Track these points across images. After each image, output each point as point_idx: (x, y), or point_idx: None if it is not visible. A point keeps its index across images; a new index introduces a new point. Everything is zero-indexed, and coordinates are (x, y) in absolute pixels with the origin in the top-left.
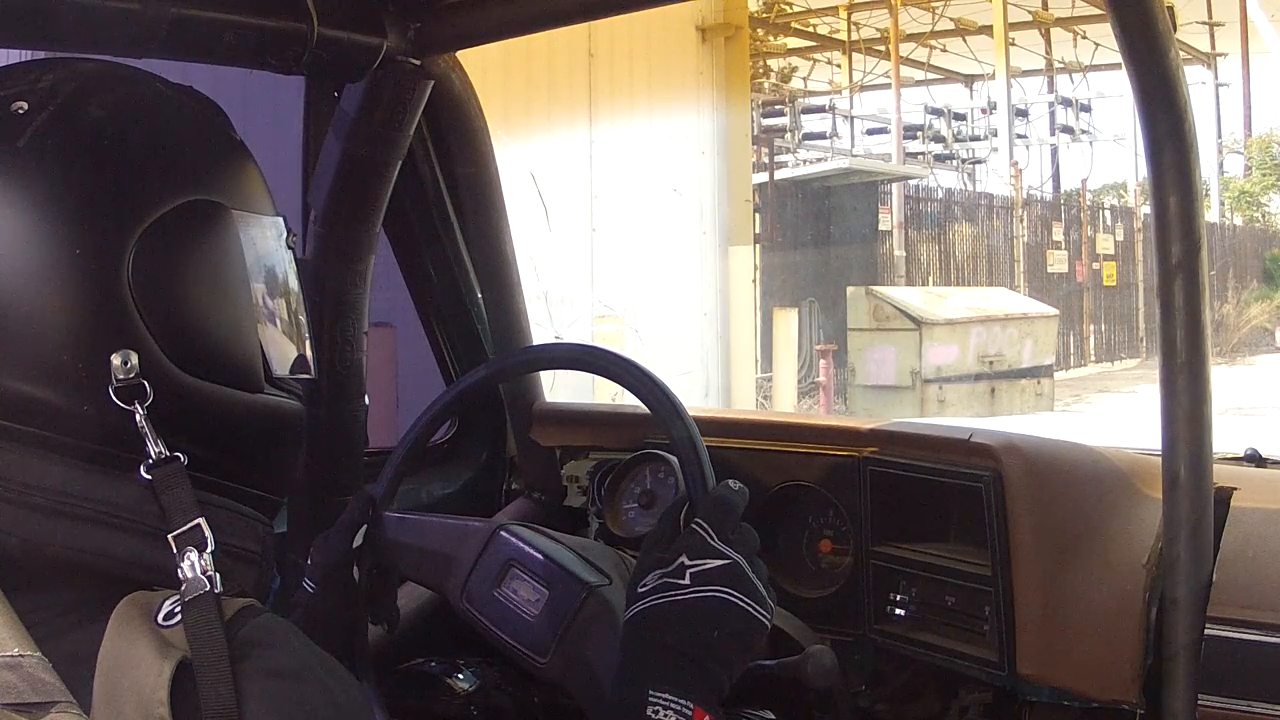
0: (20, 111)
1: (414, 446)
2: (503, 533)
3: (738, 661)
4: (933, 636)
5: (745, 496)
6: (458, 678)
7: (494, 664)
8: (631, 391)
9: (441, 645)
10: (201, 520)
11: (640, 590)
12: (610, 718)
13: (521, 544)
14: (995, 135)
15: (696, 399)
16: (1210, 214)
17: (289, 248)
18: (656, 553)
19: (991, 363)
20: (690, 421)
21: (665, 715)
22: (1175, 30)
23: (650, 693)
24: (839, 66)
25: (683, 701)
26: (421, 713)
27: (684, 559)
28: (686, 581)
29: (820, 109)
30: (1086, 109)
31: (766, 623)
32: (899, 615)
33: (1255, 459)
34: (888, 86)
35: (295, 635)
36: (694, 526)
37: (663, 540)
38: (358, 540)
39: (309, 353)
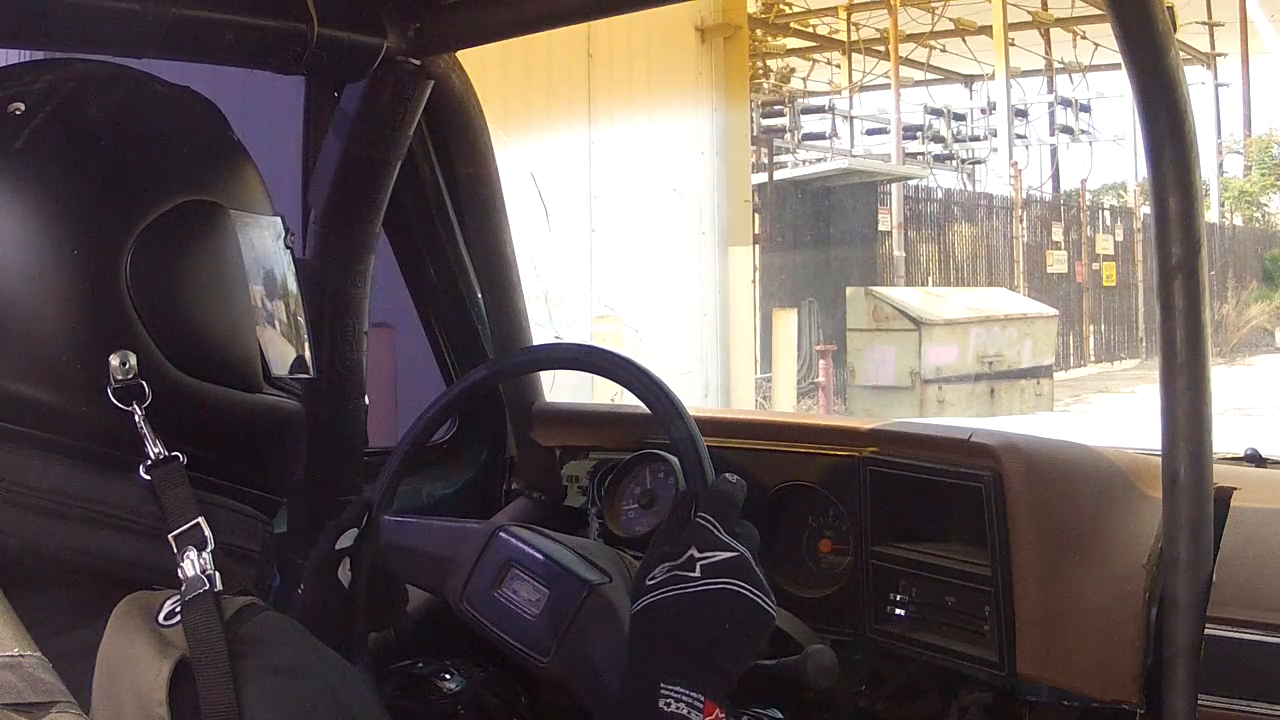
0: (17, 112)
1: (412, 448)
2: (502, 533)
3: (746, 654)
4: (933, 636)
5: (744, 489)
6: (444, 678)
7: (481, 664)
8: (631, 391)
9: (439, 647)
10: (201, 520)
11: (649, 583)
12: (620, 711)
13: (521, 544)
14: (995, 135)
15: (696, 399)
16: (1210, 214)
17: (287, 248)
18: (665, 546)
19: (991, 363)
20: (690, 421)
21: (677, 708)
22: (1175, 30)
23: (662, 686)
24: (838, 67)
25: (694, 694)
26: (408, 713)
27: (693, 551)
28: (697, 574)
29: (820, 109)
30: (1086, 109)
31: (774, 615)
32: (899, 615)
33: (1255, 459)
34: (887, 87)
35: (296, 631)
36: (699, 520)
37: (671, 535)
38: (345, 541)
39: (308, 352)
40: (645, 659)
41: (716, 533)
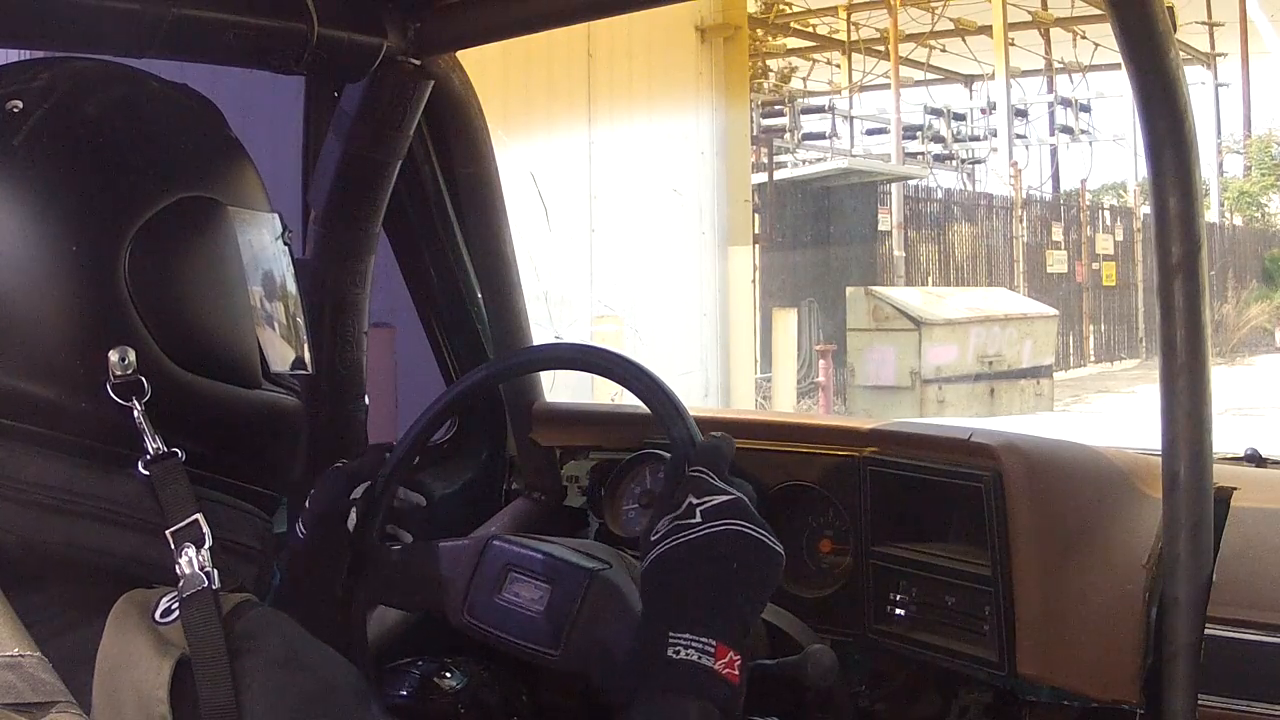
0: (15, 110)
1: (424, 432)
2: (495, 542)
3: (758, 594)
4: (933, 636)
5: (732, 445)
6: (445, 676)
7: (482, 662)
8: (631, 391)
9: (440, 645)
10: (199, 516)
11: (654, 539)
12: (631, 671)
13: (517, 548)
14: (995, 135)
15: (696, 399)
16: (1210, 214)
17: (285, 244)
18: (664, 505)
19: (991, 363)
20: (690, 421)
21: (687, 654)
22: (1175, 30)
23: (670, 634)
24: (838, 67)
25: (704, 639)
26: (408, 711)
27: (691, 499)
28: (698, 519)
29: (820, 109)
30: (1086, 109)
31: (782, 554)
32: (899, 615)
33: (1255, 459)
34: (887, 87)
35: (291, 626)
36: (693, 473)
37: (668, 495)
38: (357, 492)
39: (306, 349)
40: (653, 613)
41: (711, 480)
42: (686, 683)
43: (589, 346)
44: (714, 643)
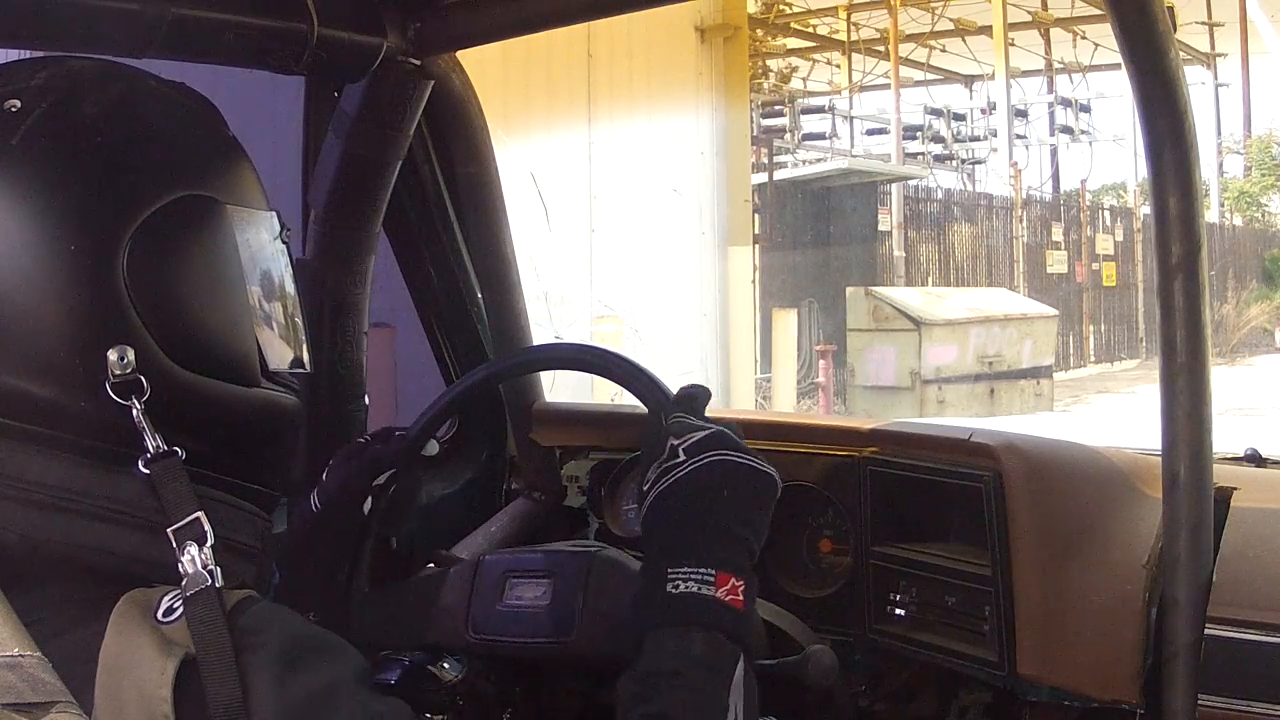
0: (14, 109)
1: (422, 434)
2: (488, 557)
3: (756, 517)
4: (933, 636)
5: (708, 391)
6: (443, 667)
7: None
8: (630, 391)
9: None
10: (200, 514)
11: (646, 489)
12: (636, 619)
13: (512, 554)
14: (995, 135)
15: None
16: (1210, 214)
17: (284, 243)
18: (650, 456)
19: (991, 363)
20: (665, 386)
21: (687, 587)
22: (1175, 30)
23: (668, 570)
24: (838, 67)
25: (703, 570)
26: (404, 700)
27: (672, 440)
28: (682, 457)
29: (820, 109)
30: (1086, 109)
31: (774, 476)
32: (899, 615)
33: (1255, 459)
34: (887, 87)
35: (294, 619)
36: (671, 420)
37: (651, 447)
38: (380, 479)
39: (305, 347)
40: (652, 555)
41: (689, 420)
42: (689, 614)
43: (588, 346)
44: (713, 572)
